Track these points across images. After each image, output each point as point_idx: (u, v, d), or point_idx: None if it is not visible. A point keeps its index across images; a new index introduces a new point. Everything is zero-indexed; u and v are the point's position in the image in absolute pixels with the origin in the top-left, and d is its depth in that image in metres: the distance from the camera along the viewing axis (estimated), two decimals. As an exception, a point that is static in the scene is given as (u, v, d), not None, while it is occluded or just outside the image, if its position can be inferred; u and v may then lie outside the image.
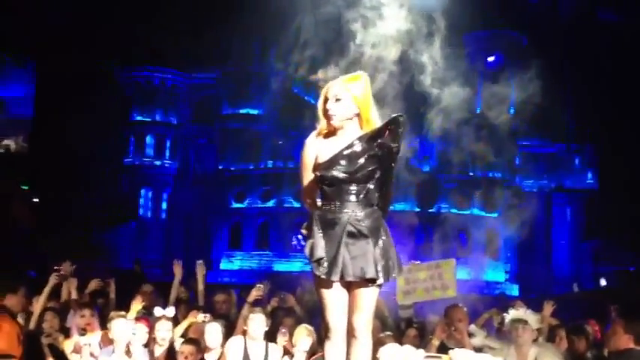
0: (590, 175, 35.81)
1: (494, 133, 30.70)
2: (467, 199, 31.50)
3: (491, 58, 33.27)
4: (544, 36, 29.97)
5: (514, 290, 30.04)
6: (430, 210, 30.92)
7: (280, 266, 31.27)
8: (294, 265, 29.38)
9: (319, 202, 3.39)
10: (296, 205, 30.63)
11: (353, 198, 3.30)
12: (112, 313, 5.47)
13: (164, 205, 37.22)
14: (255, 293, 6.16)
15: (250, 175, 34.71)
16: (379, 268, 3.23)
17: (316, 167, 3.36)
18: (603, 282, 25.41)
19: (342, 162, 3.29)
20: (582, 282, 26.70)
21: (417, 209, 29.78)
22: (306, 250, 3.32)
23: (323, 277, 3.25)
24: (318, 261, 3.26)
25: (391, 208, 3.54)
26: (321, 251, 3.26)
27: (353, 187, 3.30)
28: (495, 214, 31.35)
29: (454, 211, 31.09)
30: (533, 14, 31.78)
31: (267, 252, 33.69)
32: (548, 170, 34.78)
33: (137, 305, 5.99)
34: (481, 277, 28.74)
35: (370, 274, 3.21)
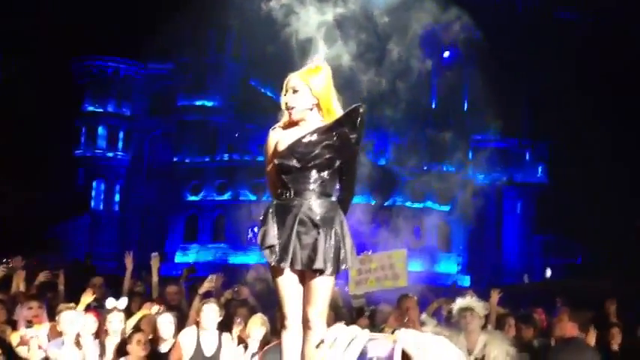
0: (540, 170, 36.68)
1: (448, 127, 31.19)
2: (421, 192, 31.89)
3: (446, 54, 33.64)
4: (500, 32, 30.46)
5: (465, 281, 30.59)
6: (385, 203, 31.22)
7: (236, 259, 31.13)
8: (250, 258, 29.27)
9: (278, 191, 3.41)
10: (252, 197, 30.55)
11: (308, 187, 3.31)
12: (61, 305, 5.37)
13: (117, 198, 36.63)
14: (207, 285, 6.13)
15: (206, 168, 34.43)
16: (328, 258, 3.24)
17: (275, 156, 3.37)
18: (549, 272, 26.12)
19: (299, 150, 3.31)
20: (532, 274, 27.37)
21: (373, 202, 30.03)
22: (258, 238, 3.33)
23: (273, 264, 3.27)
24: (270, 248, 3.27)
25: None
26: (272, 239, 3.27)
27: (308, 176, 3.32)
28: (448, 207, 31.84)
29: (408, 204, 31.47)
30: (490, 10, 32.26)
31: (222, 244, 33.52)
32: (499, 164, 35.46)
33: (87, 298, 5.91)
34: (434, 269, 29.18)
35: (317, 265, 3.21)
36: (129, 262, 7.16)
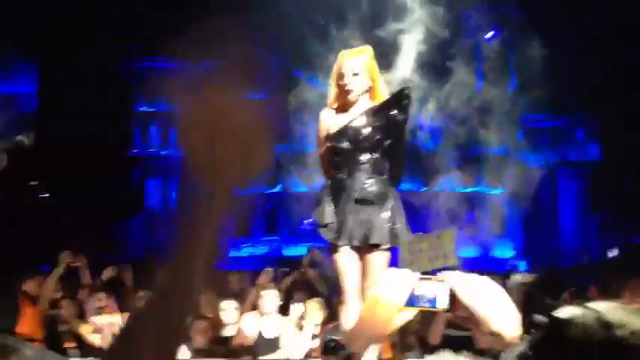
0: (594, 147, 35.66)
1: (496, 109, 30.62)
2: (472, 176, 31.44)
3: (489, 34, 33.03)
4: (544, 9, 29.72)
5: (522, 265, 30.07)
6: (436, 189, 30.90)
7: (289, 251, 31.36)
8: (304, 250, 29.43)
9: (332, 172, 3.52)
10: (302, 189, 30.73)
11: (360, 166, 3.45)
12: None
13: (173, 196, 37.32)
14: (262, 279, 6.36)
15: (256, 162, 34.75)
16: (384, 233, 3.36)
17: (327, 138, 3.50)
18: (615, 252, 25.43)
19: (349, 133, 3.43)
20: (590, 254, 26.72)
21: (423, 189, 29.80)
22: (315, 217, 3.46)
23: (331, 242, 3.39)
24: (326, 226, 3.40)
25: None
26: (328, 218, 3.41)
27: (360, 157, 3.45)
28: (501, 191, 31.31)
29: (459, 189, 31.07)
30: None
31: (275, 237, 33.80)
32: (551, 144, 34.57)
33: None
34: (489, 254, 28.78)
35: (374, 240, 3.34)
36: None
